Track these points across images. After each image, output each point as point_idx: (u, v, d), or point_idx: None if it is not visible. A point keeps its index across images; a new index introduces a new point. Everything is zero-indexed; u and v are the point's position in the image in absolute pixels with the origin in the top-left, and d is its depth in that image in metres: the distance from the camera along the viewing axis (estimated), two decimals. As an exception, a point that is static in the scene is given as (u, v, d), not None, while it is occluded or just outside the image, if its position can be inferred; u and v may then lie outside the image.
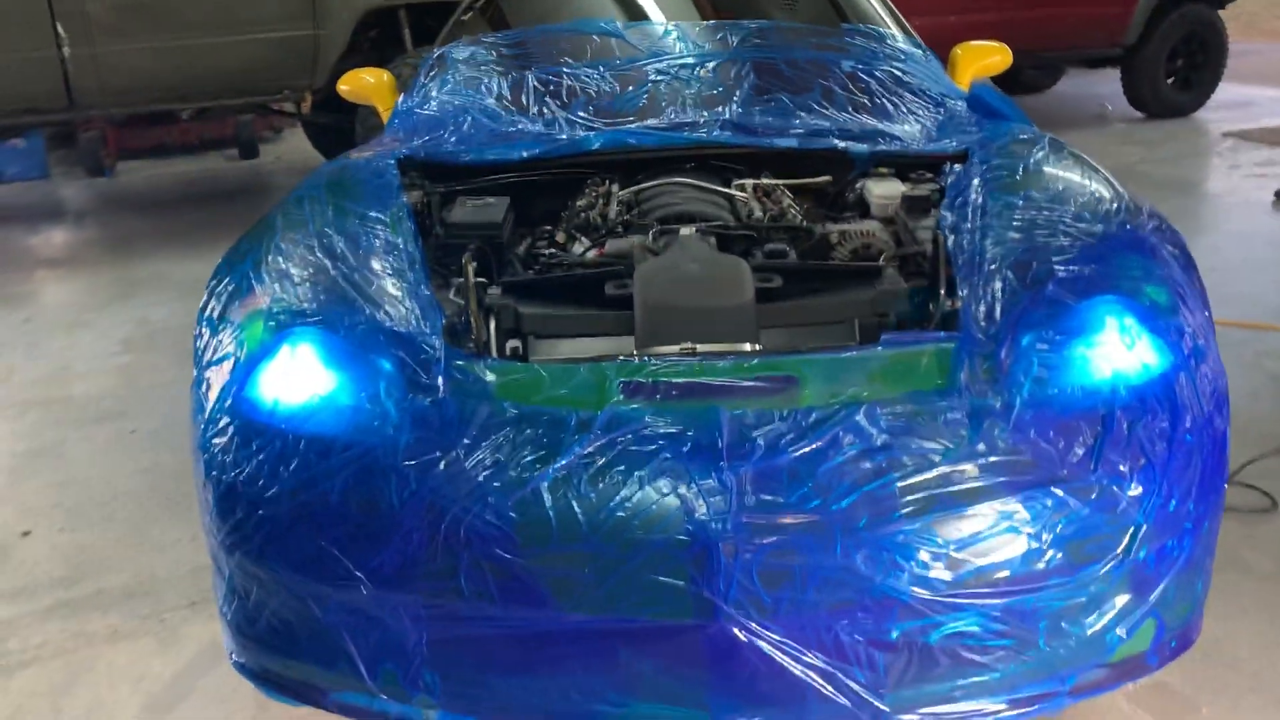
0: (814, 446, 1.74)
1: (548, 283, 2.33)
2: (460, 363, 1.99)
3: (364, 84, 3.86)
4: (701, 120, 3.00)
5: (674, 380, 1.89)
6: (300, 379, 1.95)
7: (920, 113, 3.16)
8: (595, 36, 3.50)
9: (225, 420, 1.95)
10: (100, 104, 6.47)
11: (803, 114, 3.06)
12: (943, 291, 2.20)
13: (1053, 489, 1.73)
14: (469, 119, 3.16)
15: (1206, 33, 9.30)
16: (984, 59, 3.71)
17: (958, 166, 2.73)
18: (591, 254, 2.54)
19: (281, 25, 6.49)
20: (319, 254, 2.23)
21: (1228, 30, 9.42)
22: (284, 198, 2.60)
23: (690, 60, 3.30)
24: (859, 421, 1.77)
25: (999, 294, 2.00)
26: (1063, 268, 2.02)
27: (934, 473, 1.72)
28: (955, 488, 1.71)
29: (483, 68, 3.44)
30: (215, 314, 2.20)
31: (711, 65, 3.28)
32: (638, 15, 3.82)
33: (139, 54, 6.28)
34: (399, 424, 1.86)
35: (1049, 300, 1.96)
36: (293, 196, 2.54)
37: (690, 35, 3.43)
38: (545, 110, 3.17)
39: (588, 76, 3.27)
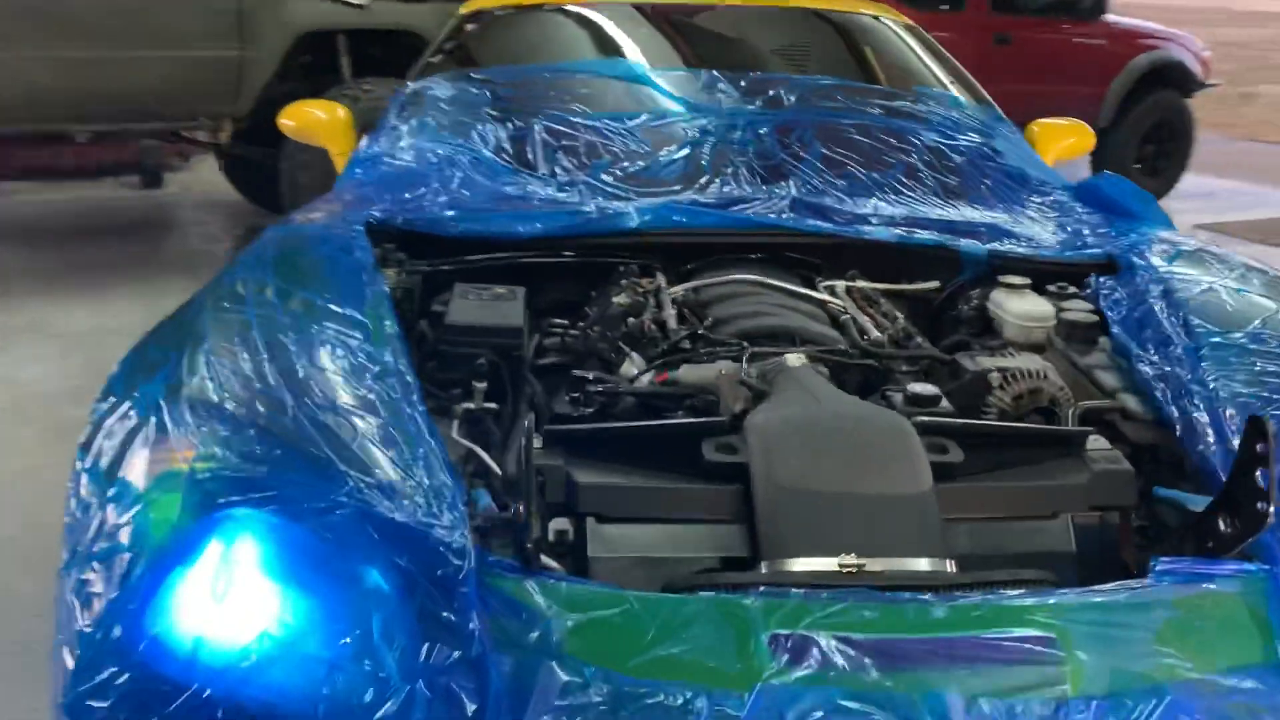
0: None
1: (616, 433, 1.60)
2: (505, 580, 1.25)
3: (312, 119, 3.09)
4: (763, 197, 2.33)
5: (854, 636, 1.17)
6: (240, 603, 1.20)
7: (1028, 203, 2.54)
8: (616, 81, 2.81)
9: (111, 671, 1.17)
10: (-25, 119, 5.51)
11: (889, 196, 2.41)
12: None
13: None
14: (458, 174, 2.44)
15: (1176, 119, 9.12)
16: (1064, 139, 3.14)
17: (1109, 280, 2.11)
18: (645, 379, 1.83)
19: (202, 43, 5.61)
20: (268, 377, 1.48)
21: (1186, 121, 9.30)
22: (215, 279, 1.83)
23: (737, 119, 2.62)
24: None
25: None
26: None
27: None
28: None
29: (474, 110, 2.72)
30: (103, 463, 1.42)
31: (765, 128, 2.60)
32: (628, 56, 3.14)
33: (28, 65, 5.34)
34: (406, 700, 1.11)
35: None
36: (227, 279, 1.78)
37: (734, 87, 2.76)
38: (559, 170, 2.47)
39: (611, 131, 2.58)
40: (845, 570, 1.33)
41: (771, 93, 2.77)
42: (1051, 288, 2.17)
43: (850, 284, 2.18)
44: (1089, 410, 1.77)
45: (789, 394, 1.61)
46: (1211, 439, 1.59)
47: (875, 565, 1.33)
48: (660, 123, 2.61)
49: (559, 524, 1.49)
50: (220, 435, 1.38)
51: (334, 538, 1.24)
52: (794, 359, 1.73)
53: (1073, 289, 2.17)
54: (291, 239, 2.00)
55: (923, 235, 2.24)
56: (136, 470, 1.36)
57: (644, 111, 2.67)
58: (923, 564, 1.35)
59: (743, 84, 2.77)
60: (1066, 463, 1.59)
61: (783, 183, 2.43)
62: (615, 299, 2.12)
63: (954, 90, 3.08)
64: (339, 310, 1.68)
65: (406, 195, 2.37)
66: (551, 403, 1.85)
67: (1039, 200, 2.55)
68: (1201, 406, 1.63)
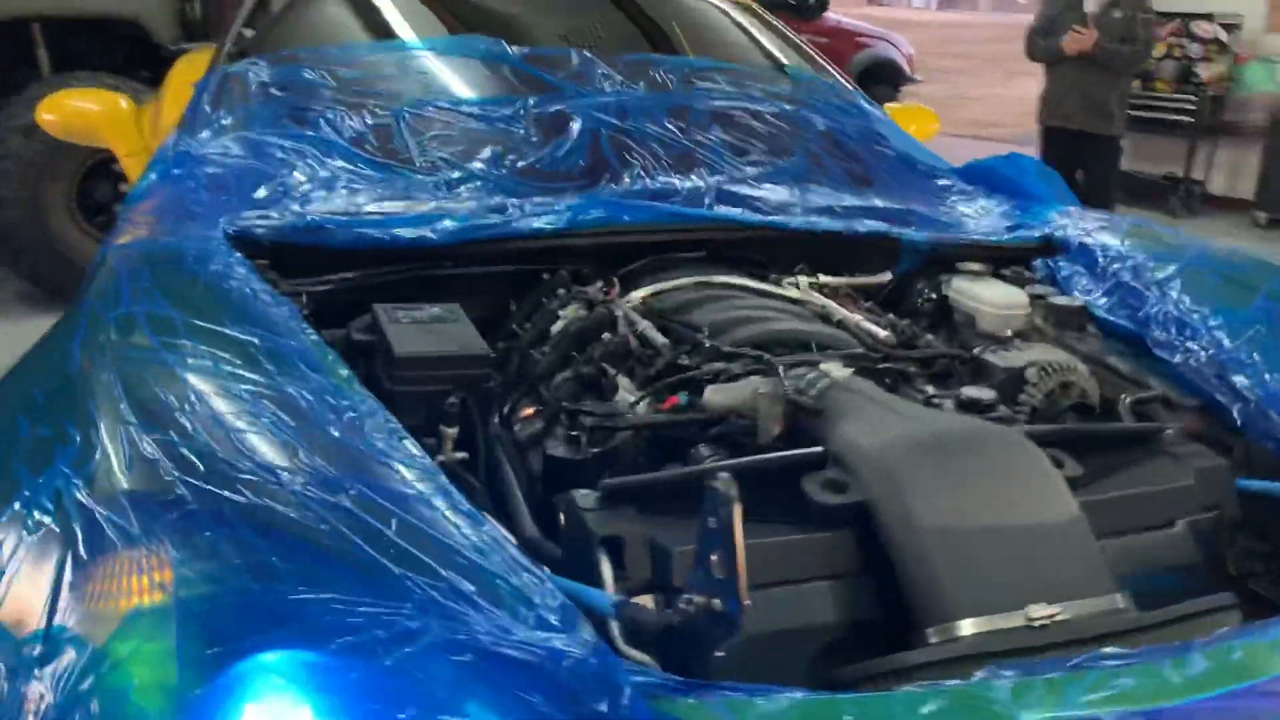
0: None
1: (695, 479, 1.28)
2: (679, 705, 0.92)
3: (82, 114, 2.49)
4: (686, 189, 2.06)
5: (1133, 711, 0.94)
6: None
7: (931, 188, 2.43)
8: (475, 63, 2.44)
9: None
10: None
11: (805, 185, 2.22)
12: None
13: None
14: (317, 171, 2.00)
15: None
16: (911, 124, 3.08)
17: (1061, 263, 2.02)
18: (640, 408, 1.52)
19: None
20: (229, 442, 1.07)
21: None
22: (79, 316, 1.35)
23: (626, 104, 2.33)
24: None
25: None
26: None
27: None
28: None
29: (315, 96, 2.26)
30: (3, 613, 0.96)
31: (657, 113, 2.34)
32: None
33: None
34: None
35: None
36: (105, 315, 1.31)
37: (611, 70, 2.46)
38: (440, 163, 2.08)
39: (491, 118, 2.21)
40: (1038, 624, 1.09)
41: (649, 71, 2.50)
42: (1006, 273, 2.05)
43: (812, 280, 1.95)
44: (1135, 402, 1.63)
45: (865, 412, 1.35)
46: (1277, 419, 1.50)
47: (1063, 613, 1.11)
48: (545, 109, 2.27)
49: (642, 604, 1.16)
50: (197, 538, 0.94)
51: (424, 680, 0.85)
52: (837, 369, 1.47)
53: (1027, 273, 2.05)
54: (164, 259, 1.52)
55: (870, 224, 2.05)
56: (77, 614, 0.90)
57: (519, 96, 2.32)
58: (1103, 603, 1.14)
59: (621, 65, 2.48)
60: (1162, 462, 1.44)
61: (697, 173, 2.17)
62: (563, 312, 1.78)
63: (823, 75, 2.94)
64: (274, 345, 1.26)
65: (259, 197, 1.91)
66: (538, 444, 1.50)
67: (940, 184, 2.45)
68: (1255, 386, 1.54)
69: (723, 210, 1.98)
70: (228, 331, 1.27)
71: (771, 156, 2.33)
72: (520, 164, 2.13)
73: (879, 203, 2.20)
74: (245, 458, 1.04)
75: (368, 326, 1.58)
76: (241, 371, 1.19)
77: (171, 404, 1.10)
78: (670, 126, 2.31)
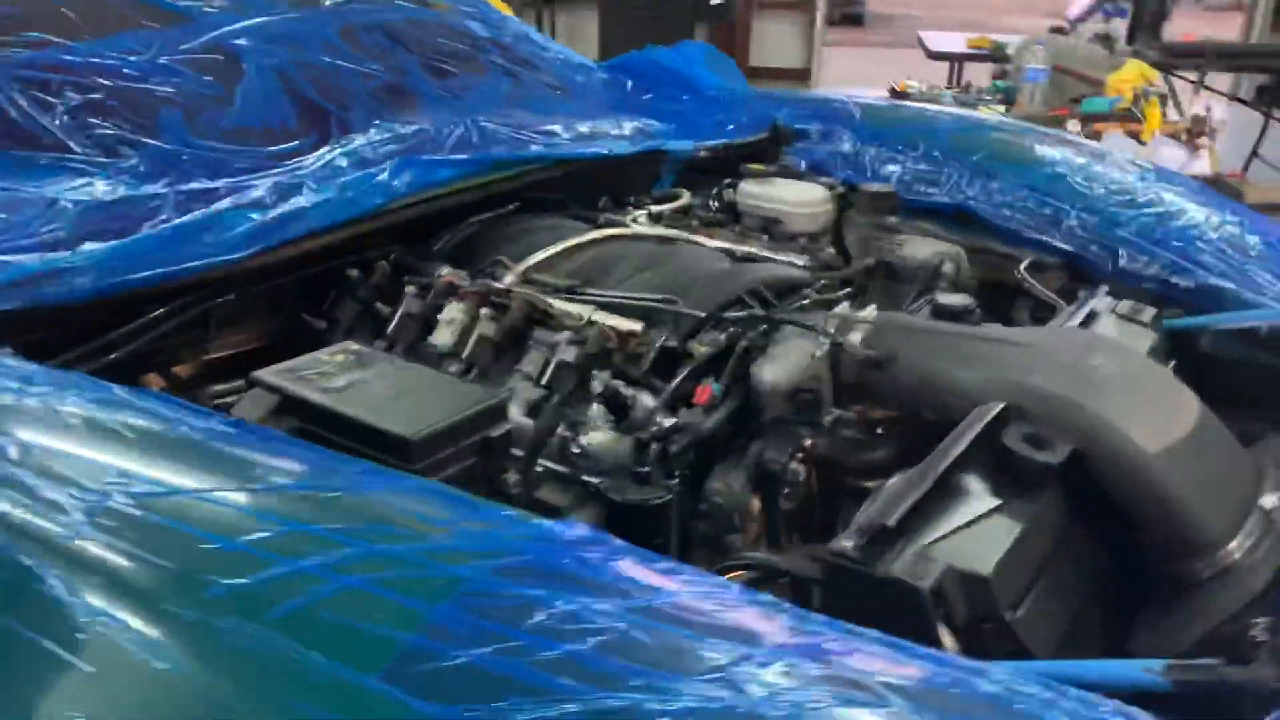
0: None
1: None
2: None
3: None
4: (454, 134, 1.71)
5: None
6: None
7: (613, 92, 2.29)
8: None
9: None
10: None
11: (534, 109, 1.98)
12: None
13: None
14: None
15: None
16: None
17: (815, 148, 2.06)
18: (687, 414, 1.26)
19: None
20: None
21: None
22: None
23: (286, 28, 1.83)
24: None
25: None
26: None
27: None
28: None
29: None
30: None
31: (333, 37, 1.87)
32: None
33: None
34: None
35: None
36: None
37: None
38: (112, 143, 1.49)
39: (141, 67, 1.60)
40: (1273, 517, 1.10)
41: None
42: (754, 167, 1.99)
43: (659, 209, 1.72)
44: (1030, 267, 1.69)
45: (964, 351, 1.23)
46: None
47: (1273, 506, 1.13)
48: (194, 44, 1.65)
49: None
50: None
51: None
52: (876, 314, 1.32)
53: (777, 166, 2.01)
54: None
55: (647, 142, 1.87)
56: None
57: (146, 31, 1.66)
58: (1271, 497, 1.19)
59: None
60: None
61: (434, 111, 1.77)
62: (445, 317, 1.37)
63: None
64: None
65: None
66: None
67: (623, 85, 2.29)
68: (1080, 228, 1.71)
69: (551, 148, 1.66)
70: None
71: (471, 75, 1.99)
72: (221, 126, 1.56)
73: (614, 121, 2.00)
74: None
75: (280, 411, 1.07)
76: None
77: None
78: (357, 53, 1.85)
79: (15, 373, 0.97)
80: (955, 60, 5.44)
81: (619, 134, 1.93)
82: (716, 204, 1.93)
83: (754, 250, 1.61)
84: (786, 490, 1.24)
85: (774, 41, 8.54)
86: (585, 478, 1.22)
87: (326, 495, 0.79)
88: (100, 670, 0.64)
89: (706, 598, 0.72)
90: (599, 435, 1.25)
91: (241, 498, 0.78)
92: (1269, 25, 7.90)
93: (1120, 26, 5.79)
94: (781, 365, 1.26)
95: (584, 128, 1.90)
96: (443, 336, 1.37)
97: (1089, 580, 1.12)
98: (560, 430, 1.26)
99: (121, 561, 0.70)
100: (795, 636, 0.68)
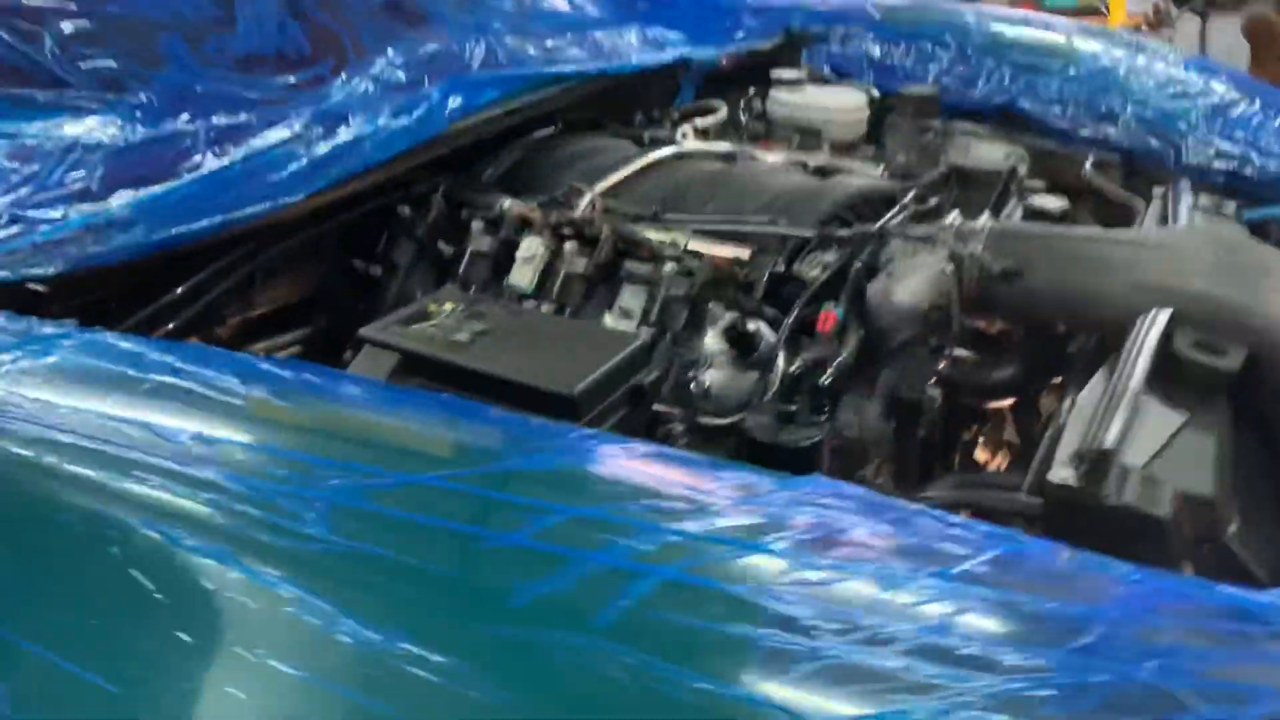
0: None
1: None
2: None
3: None
4: (476, 53, 1.56)
5: None
6: None
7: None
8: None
9: None
10: None
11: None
12: None
13: None
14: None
15: None
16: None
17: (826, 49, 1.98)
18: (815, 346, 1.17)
19: None
20: None
21: None
22: None
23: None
24: None
25: None
26: None
27: None
28: None
29: None
30: None
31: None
32: None
33: None
34: None
35: None
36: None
37: None
38: (110, 76, 1.33)
39: None
40: None
41: None
42: (785, 74, 1.88)
43: (703, 123, 1.60)
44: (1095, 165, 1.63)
45: (1114, 254, 1.16)
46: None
47: None
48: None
49: None
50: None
51: None
52: (982, 219, 1.24)
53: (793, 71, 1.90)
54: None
55: (703, 52, 1.76)
56: None
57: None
58: None
59: None
60: None
61: (446, 29, 1.61)
62: (523, 253, 1.25)
63: None
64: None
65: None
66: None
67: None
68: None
69: (582, 63, 1.52)
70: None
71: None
72: (230, 52, 1.39)
73: (632, 29, 1.87)
74: None
75: (405, 372, 0.95)
76: None
77: None
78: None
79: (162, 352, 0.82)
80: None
81: (640, 44, 1.80)
82: (748, 115, 1.82)
83: (826, 162, 1.51)
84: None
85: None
86: (706, 419, 1.12)
87: (569, 470, 0.68)
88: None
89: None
90: (720, 373, 1.15)
91: (476, 479, 0.66)
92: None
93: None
94: (912, 284, 1.17)
95: (601, 38, 1.76)
96: (523, 275, 1.24)
97: (1267, 495, 1.08)
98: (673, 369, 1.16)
99: (380, 578, 0.58)
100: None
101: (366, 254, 1.36)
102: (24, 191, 1.07)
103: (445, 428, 0.73)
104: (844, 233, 1.25)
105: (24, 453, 0.70)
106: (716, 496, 0.65)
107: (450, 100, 1.32)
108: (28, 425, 0.72)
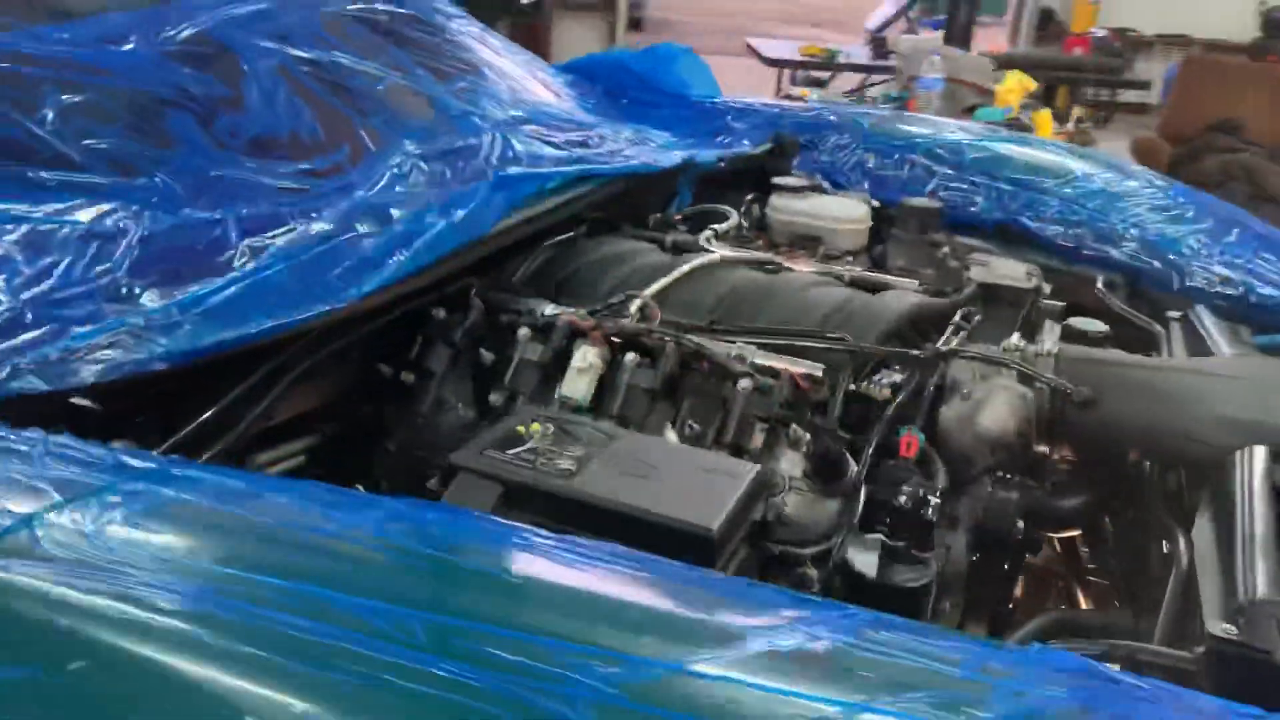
0: None
1: None
2: None
3: None
4: (485, 140, 1.50)
5: None
6: None
7: (599, 97, 2.11)
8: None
9: None
10: None
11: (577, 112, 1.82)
12: None
13: None
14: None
15: None
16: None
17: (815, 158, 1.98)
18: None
19: None
20: None
21: None
22: None
23: (277, 19, 1.55)
24: None
25: None
26: None
27: None
28: None
29: None
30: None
31: (321, 31, 1.60)
32: None
33: None
34: None
35: None
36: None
37: None
38: (113, 155, 1.20)
39: (117, 62, 1.30)
40: None
41: None
42: (789, 181, 1.86)
43: (720, 228, 1.54)
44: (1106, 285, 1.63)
45: (1188, 385, 1.14)
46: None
47: None
48: (184, 34, 1.33)
49: None
50: None
51: None
52: (1047, 341, 1.21)
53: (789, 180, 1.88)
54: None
55: (706, 155, 1.72)
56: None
57: (118, 14, 1.32)
58: None
59: None
60: None
61: (467, 119, 1.54)
62: (579, 364, 1.16)
63: None
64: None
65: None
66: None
67: (592, 95, 2.10)
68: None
69: (631, 161, 1.46)
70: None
71: (467, 75, 1.75)
72: (242, 135, 1.28)
73: (635, 129, 1.83)
74: None
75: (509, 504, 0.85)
76: None
77: None
78: (350, 49, 1.58)
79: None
80: (792, 67, 5.51)
81: (637, 143, 1.75)
82: (747, 220, 1.78)
83: (859, 273, 1.48)
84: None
85: (575, 42, 8.43)
86: (785, 548, 1.05)
87: (802, 650, 0.60)
88: None
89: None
90: (799, 499, 1.08)
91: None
92: (1033, 37, 8.54)
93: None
94: (997, 410, 1.13)
95: (608, 136, 1.71)
96: (577, 387, 1.16)
97: None
98: None
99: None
100: None
101: (391, 358, 1.25)
102: (45, 285, 0.93)
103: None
104: (919, 353, 1.20)
105: None
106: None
107: (495, 197, 1.24)
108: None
